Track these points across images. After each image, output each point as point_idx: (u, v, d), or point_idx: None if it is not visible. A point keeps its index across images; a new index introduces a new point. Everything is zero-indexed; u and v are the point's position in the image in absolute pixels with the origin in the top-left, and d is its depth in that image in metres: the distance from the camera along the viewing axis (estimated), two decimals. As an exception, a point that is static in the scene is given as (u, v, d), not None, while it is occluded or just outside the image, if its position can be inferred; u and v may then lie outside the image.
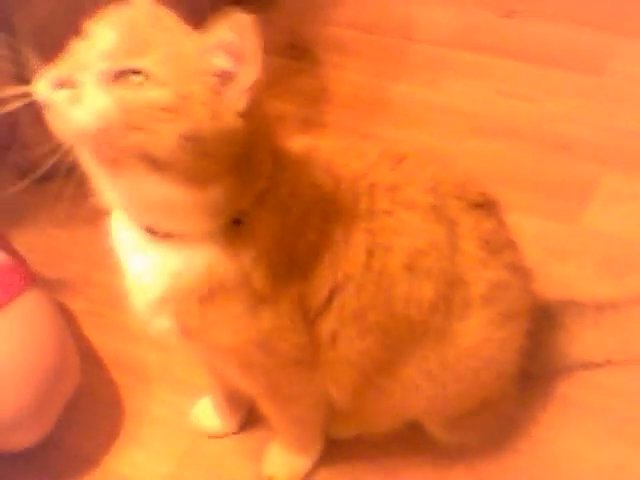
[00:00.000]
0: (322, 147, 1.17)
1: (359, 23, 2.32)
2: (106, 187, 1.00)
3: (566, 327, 1.41)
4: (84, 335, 1.59)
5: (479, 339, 1.19)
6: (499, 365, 1.23)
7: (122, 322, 1.57)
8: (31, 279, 1.36)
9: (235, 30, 0.93)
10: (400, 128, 1.97)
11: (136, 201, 1.00)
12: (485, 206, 1.21)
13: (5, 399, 1.27)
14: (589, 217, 1.71)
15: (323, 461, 1.36)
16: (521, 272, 1.24)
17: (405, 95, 2.08)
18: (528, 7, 2.26)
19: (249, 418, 1.43)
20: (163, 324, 1.10)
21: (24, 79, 1.69)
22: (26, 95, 0.93)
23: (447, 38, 2.24)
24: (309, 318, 1.13)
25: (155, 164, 0.92)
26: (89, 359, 1.53)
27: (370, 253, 1.12)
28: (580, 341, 1.41)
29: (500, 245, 1.21)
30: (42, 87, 0.92)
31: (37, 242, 1.74)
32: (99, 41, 0.93)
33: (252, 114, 0.96)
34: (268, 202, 1.04)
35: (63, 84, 0.91)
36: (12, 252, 1.41)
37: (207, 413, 1.43)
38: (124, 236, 1.08)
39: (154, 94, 0.91)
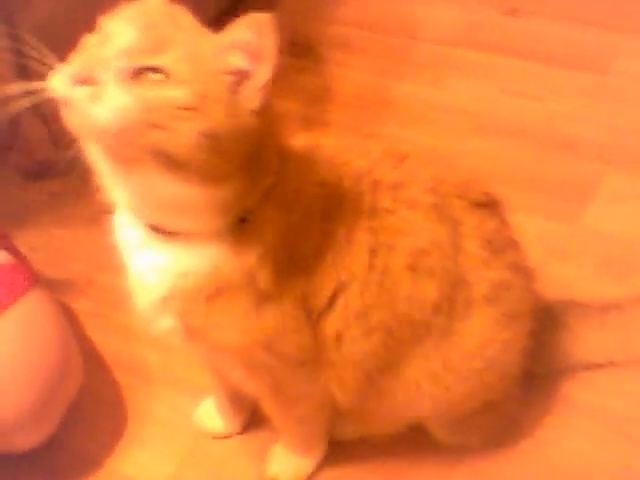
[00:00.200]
0: (324, 145, 1.17)
1: (363, 21, 2.32)
2: (116, 185, 1.00)
3: (569, 328, 1.41)
4: (87, 335, 1.59)
5: (482, 339, 1.19)
6: (502, 366, 1.23)
7: (125, 322, 1.58)
8: (34, 279, 1.36)
9: (254, 29, 0.93)
10: (404, 127, 1.97)
11: (147, 199, 1.00)
12: (488, 206, 1.21)
13: (8, 399, 1.27)
14: (591, 217, 1.71)
15: (326, 462, 1.36)
16: (524, 272, 1.24)
17: (409, 94, 2.08)
18: (532, 6, 2.25)
19: (252, 419, 1.43)
20: (166, 324, 1.10)
21: (26, 72, 1.68)
22: (36, 91, 0.92)
23: (451, 37, 2.23)
24: (313, 318, 1.13)
25: (170, 162, 0.92)
26: (92, 360, 1.53)
27: (373, 252, 1.12)
28: (583, 342, 1.41)
29: (503, 245, 1.21)
30: (60, 83, 0.91)
31: (39, 242, 1.74)
32: (117, 38, 0.93)
33: (264, 112, 0.97)
34: (273, 200, 1.04)
35: (84, 81, 0.90)
36: (15, 252, 1.41)
37: (210, 414, 1.43)
38: (128, 235, 1.08)
39: (175, 93, 0.92)
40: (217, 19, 1.02)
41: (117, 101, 0.90)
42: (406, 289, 1.13)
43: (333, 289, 1.11)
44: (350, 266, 1.11)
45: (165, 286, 1.05)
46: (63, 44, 1.88)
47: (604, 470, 1.33)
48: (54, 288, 1.44)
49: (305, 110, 1.98)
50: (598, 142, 1.87)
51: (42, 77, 0.93)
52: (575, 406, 1.40)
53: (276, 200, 1.05)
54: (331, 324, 1.13)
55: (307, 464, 1.35)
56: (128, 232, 1.07)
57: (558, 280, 1.53)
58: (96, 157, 0.98)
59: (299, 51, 2.16)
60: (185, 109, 0.91)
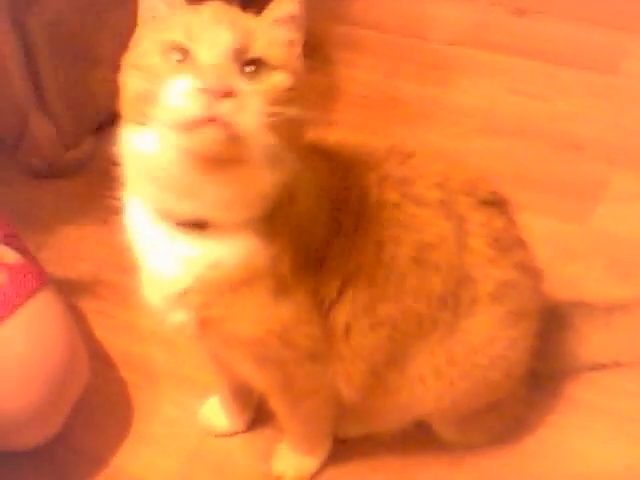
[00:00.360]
0: (332, 140, 1.18)
1: (370, 21, 2.32)
2: (193, 187, 0.97)
3: (575, 328, 1.41)
4: (93, 334, 1.59)
5: (487, 337, 1.19)
6: (507, 364, 1.23)
7: (132, 322, 1.59)
8: (44, 280, 1.36)
9: (295, 2, 1.00)
10: (411, 126, 1.97)
11: (226, 195, 0.98)
12: (496, 204, 1.22)
13: (15, 398, 1.28)
14: (598, 217, 1.71)
15: (331, 460, 1.36)
16: (531, 272, 1.24)
17: (416, 93, 2.08)
18: (540, 6, 2.26)
19: (258, 418, 1.43)
20: (179, 318, 1.09)
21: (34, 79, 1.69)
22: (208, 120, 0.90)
23: (459, 37, 2.24)
24: (323, 309, 1.13)
25: (270, 149, 0.94)
26: (98, 358, 1.53)
27: (379, 245, 1.13)
28: (589, 342, 1.41)
29: (510, 244, 1.21)
30: (198, 104, 0.89)
31: (47, 241, 1.74)
32: (216, 43, 0.93)
33: None
34: (292, 189, 1.05)
35: (225, 94, 0.89)
36: (26, 252, 1.41)
37: (215, 412, 1.43)
38: (146, 231, 1.06)
39: (279, 78, 0.95)
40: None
41: (257, 103, 0.91)
42: (411, 282, 1.14)
43: (342, 280, 1.12)
44: (357, 257, 1.12)
45: (190, 278, 1.04)
46: (72, 43, 1.90)
47: (607, 470, 1.33)
48: (61, 287, 1.44)
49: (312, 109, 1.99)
50: (606, 142, 1.87)
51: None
52: (579, 406, 1.40)
53: (293, 189, 1.05)
54: (340, 316, 1.14)
55: (312, 463, 1.35)
56: (146, 229, 1.06)
57: (565, 280, 1.53)
58: (180, 168, 0.95)
59: (307, 50, 2.16)
60: (290, 90, 0.95)
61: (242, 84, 0.91)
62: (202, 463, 1.40)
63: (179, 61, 0.94)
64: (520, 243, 1.24)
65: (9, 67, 1.80)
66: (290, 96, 0.94)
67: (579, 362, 1.41)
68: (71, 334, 1.37)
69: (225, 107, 0.89)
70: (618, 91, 2.00)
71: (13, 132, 1.90)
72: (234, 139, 0.91)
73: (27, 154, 1.92)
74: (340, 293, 1.13)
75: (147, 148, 0.96)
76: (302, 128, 1.00)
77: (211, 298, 1.06)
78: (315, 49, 2.18)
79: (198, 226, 1.02)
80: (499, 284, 1.18)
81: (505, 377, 1.24)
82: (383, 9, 2.35)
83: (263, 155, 0.94)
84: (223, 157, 0.93)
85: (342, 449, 1.36)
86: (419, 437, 1.34)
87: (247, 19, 1.00)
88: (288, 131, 0.94)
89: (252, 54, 0.95)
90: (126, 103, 0.98)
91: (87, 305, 1.64)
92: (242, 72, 0.93)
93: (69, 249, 1.76)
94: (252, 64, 0.94)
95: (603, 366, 1.42)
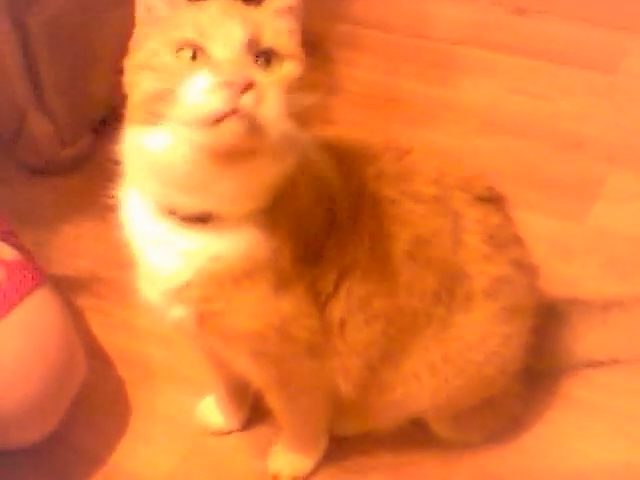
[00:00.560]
0: (329, 135, 1.18)
1: (371, 20, 2.32)
2: (204, 182, 0.97)
3: (572, 325, 1.41)
4: (91, 332, 1.59)
5: (482, 333, 1.19)
6: (502, 360, 1.23)
7: (129, 319, 1.59)
8: (41, 278, 1.37)
9: None
10: (411, 125, 1.97)
11: (235, 188, 0.98)
12: (492, 201, 1.22)
13: (12, 395, 1.28)
14: (596, 215, 1.71)
15: (327, 458, 1.36)
16: (526, 269, 1.24)
17: (416, 92, 2.08)
18: (540, 5, 2.26)
19: (254, 416, 1.43)
20: (178, 313, 1.09)
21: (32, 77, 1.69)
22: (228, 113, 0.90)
23: (459, 36, 2.24)
24: (320, 303, 1.13)
25: (285, 142, 0.95)
26: (95, 356, 1.53)
27: (375, 239, 1.13)
28: (586, 339, 1.41)
29: (505, 240, 1.21)
30: (224, 97, 0.89)
31: (44, 238, 1.75)
32: (229, 37, 0.94)
33: None
34: (291, 181, 1.05)
35: (246, 88, 0.90)
36: (22, 249, 1.41)
37: (212, 410, 1.43)
38: (146, 227, 1.06)
39: (290, 67, 0.96)
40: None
41: (275, 93, 0.92)
42: (406, 277, 1.14)
43: (338, 273, 1.12)
44: (354, 251, 1.12)
45: (191, 272, 1.04)
46: (71, 42, 1.90)
47: (604, 467, 1.33)
48: (59, 284, 1.44)
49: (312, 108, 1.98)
50: (605, 141, 1.87)
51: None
52: (576, 403, 1.40)
53: (294, 181, 1.05)
54: (336, 310, 1.14)
55: (308, 461, 1.35)
56: (145, 224, 1.06)
57: (562, 278, 1.53)
58: (197, 164, 0.95)
59: (307, 49, 2.16)
60: (300, 79, 0.96)
61: (259, 75, 0.92)
62: (199, 461, 1.40)
63: (192, 58, 0.94)
64: (516, 240, 1.24)
65: (8, 65, 1.80)
66: (301, 84, 0.96)
67: (575, 359, 1.41)
68: (68, 331, 1.37)
69: (246, 99, 0.90)
70: (618, 90, 2.00)
71: (11, 129, 1.90)
72: (254, 130, 0.91)
73: (24, 151, 1.92)
74: (336, 287, 1.13)
75: (158, 146, 0.95)
76: (311, 113, 1.00)
77: (211, 291, 1.06)
78: (316, 48, 2.18)
79: (201, 219, 1.02)
80: (494, 280, 1.18)
81: (500, 373, 1.24)
82: (384, 8, 2.35)
83: (278, 145, 0.95)
84: (239, 150, 0.93)
85: (338, 447, 1.36)
86: (415, 435, 1.33)
87: (253, 11, 1.00)
88: (301, 118, 0.95)
89: (264, 45, 0.96)
90: (136, 104, 0.98)
91: (84, 302, 1.64)
92: (256, 64, 0.94)
93: (66, 246, 1.76)
94: (263, 55, 0.95)
95: (600, 363, 1.41)
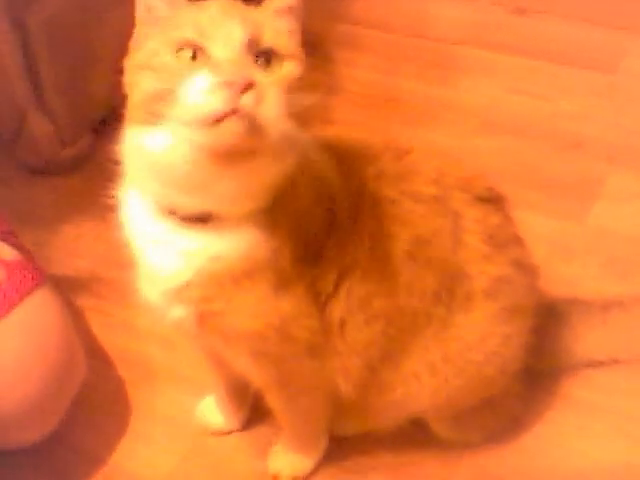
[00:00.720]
0: (329, 135, 1.18)
1: (370, 20, 2.32)
2: (204, 182, 0.97)
3: (572, 325, 1.40)
4: (91, 332, 1.59)
5: (482, 333, 1.19)
6: (502, 360, 1.23)
7: (129, 319, 1.59)
8: (41, 278, 1.37)
9: None
10: (411, 125, 1.97)
11: (236, 188, 0.98)
12: (492, 201, 1.22)
13: (12, 395, 1.28)
14: (596, 215, 1.71)
15: (327, 458, 1.36)
16: (526, 269, 1.24)
17: (416, 92, 2.08)
18: (540, 5, 2.26)
19: (254, 416, 1.42)
20: (178, 313, 1.09)
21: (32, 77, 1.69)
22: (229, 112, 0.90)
23: (459, 36, 2.24)
24: (320, 303, 1.13)
25: (284, 141, 0.94)
26: (95, 356, 1.53)
27: (375, 239, 1.13)
28: (586, 339, 1.41)
29: (505, 240, 1.21)
30: (224, 97, 0.89)
31: (44, 238, 1.75)
32: (228, 37, 0.94)
33: None
34: (291, 181, 1.05)
35: (246, 88, 0.90)
36: (22, 249, 1.41)
37: (212, 410, 1.43)
38: (146, 227, 1.06)
39: (290, 67, 0.96)
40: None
41: (275, 93, 0.92)
42: (406, 277, 1.14)
43: (338, 273, 1.12)
44: (354, 251, 1.12)
45: (191, 271, 1.04)
46: (70, 42, 1.90)
47: (604, 467, 1.32)
48: (59, 284, 1.44)
49: (312, 108, 1.98)
50: (605, 141, 1.87)
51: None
52: (576, 403, 1.40)
53: (294, 180, 1.05)
54: (336, 310, 1.14)
55: (308, 461, 1.35)
56: (145, 224, 1.06)
57: (562, 278, 1.53)
58: (198, 164, 0.95)
59: (307, 49, 2.16)
60: (301, 79, 0.96)
61: (259, 75, 0.92)
62: (199, 461, 1.40)
63: (192, 58, 0.94)
64: (516, 240, 1.24)
65: (8, 65, 1.80)
66: (301, 84, 0.96)
67: (575, 359, 1.41)
68: (68, 331, 1.37)
69: (247, 99, 0.90)
70: (618, 90, 2.00)
71: (11, 129, 1.90)
72: (254, 130, 0.91)
73: (24, 151, 1.92)
74: (336, 287, 1.13)
75: (158, 146, 0.95)
76: (310, 113, 1.00)
77: (212, 291, 1.06)
78: (315, 48, 2.18)
79: (201, 220, 1.02)
80: (494, 280, 1.18)
81: (500, 373, 1.24)
82: (384, 8, 2.35)
83: (278, 144, 0.94)
84: (239, 150, 0.93)
85: (338, 447, 1.36)
86: (415, 435, 1.33)
87: (253, 11, 1.00)
88: (301, 118, 0.95)
89: (264, 45, 0.96)
90: (136, 104, 0.98)
91: (84, 302, 1.64)
92: (256, 64, 0.94)
93: (66, 246, 1.76)
94: (263, 55, 0.95)
95: (600, 363, 1.41)
